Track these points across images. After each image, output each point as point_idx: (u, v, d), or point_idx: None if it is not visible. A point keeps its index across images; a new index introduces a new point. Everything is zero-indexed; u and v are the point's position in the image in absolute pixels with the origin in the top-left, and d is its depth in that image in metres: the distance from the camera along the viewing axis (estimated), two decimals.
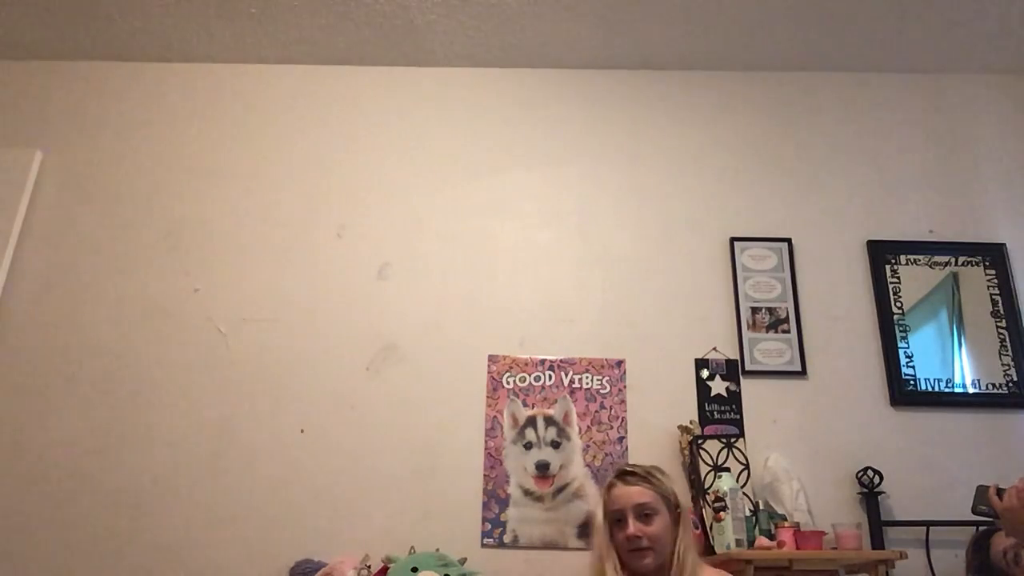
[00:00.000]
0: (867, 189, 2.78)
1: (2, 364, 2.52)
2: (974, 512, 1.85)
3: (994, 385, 2.51)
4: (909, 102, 2.91)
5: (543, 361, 2.54)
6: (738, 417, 2.46)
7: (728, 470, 2.27)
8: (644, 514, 1.73)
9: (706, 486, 2.23)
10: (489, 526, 2.35)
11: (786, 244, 2.68)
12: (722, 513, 2.11)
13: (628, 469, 1.83)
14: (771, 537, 2.16)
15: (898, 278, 2.64)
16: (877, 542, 2.28)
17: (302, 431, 2.46)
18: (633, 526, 1.71)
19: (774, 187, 2.78)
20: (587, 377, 2.52)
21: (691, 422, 2.41)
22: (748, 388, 2.50)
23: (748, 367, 2.52)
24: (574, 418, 2.47)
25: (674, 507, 1.77)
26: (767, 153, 2.83)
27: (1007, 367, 2.52)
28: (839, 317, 2.60)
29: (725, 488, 2.15)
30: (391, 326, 2.58)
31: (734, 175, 2.80)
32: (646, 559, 1.70)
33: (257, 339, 2.56)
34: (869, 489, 2.32)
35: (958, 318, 2.60)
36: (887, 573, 2.11)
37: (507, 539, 2.33)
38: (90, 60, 2.95)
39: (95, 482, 2.38)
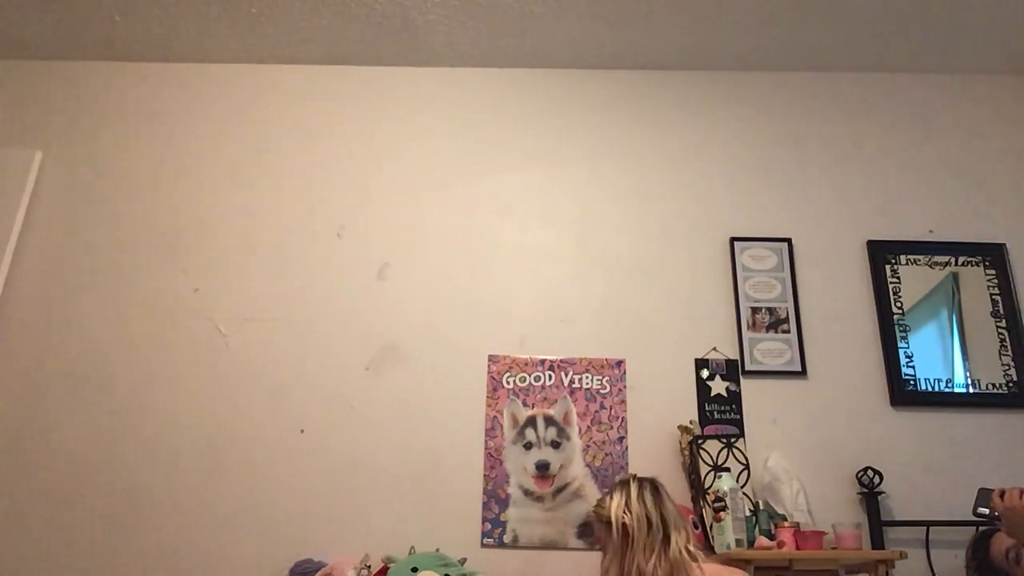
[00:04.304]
0: (867, 189, 2.78)
1: (2, 364, 2.52)
2: (975, 514, 1.85)
3: (994, 385, 2.51)
4: (909, 102, 2.91)
5: (543, 361, 2.54)
6: (738, 417, 2.46)
7: (728, 470, 2.27)
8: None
9: (706, 486, 2.23)
10: (489, 526, 2.35)
11: (786, 244, 2.68)
12: (722, 513, 2.11)
13: None
14: (771, 537, 2.16)
15: (898, 278, 2.64)
16: (877, 542, 2.28)
17: (302, 431, 2.46)
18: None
19: (774, 187, 2.78)
20: (587, 377, 2.52)
21: (691, 422, 2.41)
22: (748, 388, 2.50)
23: (748, 367, 2.52)
24: (574, 418, 2.47)
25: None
26: (767, 153, 2.83)
27: (1007, 367, 2.52)
28: (839, 317, 2.60)
29: (725, 488, 2.15)
30: (391, 326, 2.58)
31: (734, 175, 2.80)
32: None
33: (257, 339, 2.56)
34: (869, 489, 2.32)
35: (958, 318, 2.60)
36: (887, 573, 2.12)
37: (507, 539, 2.33)
38: (90, 60, 2.95)
39: (95, 482, 2.39)
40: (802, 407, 2.48)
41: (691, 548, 1.76)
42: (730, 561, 2.00)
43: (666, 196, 2.77)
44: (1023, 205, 2.75)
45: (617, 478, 1.97)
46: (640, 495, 1.83)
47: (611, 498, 1.87)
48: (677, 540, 1.75)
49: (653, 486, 1.87)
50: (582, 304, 2.62)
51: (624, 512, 1.80)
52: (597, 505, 1.91)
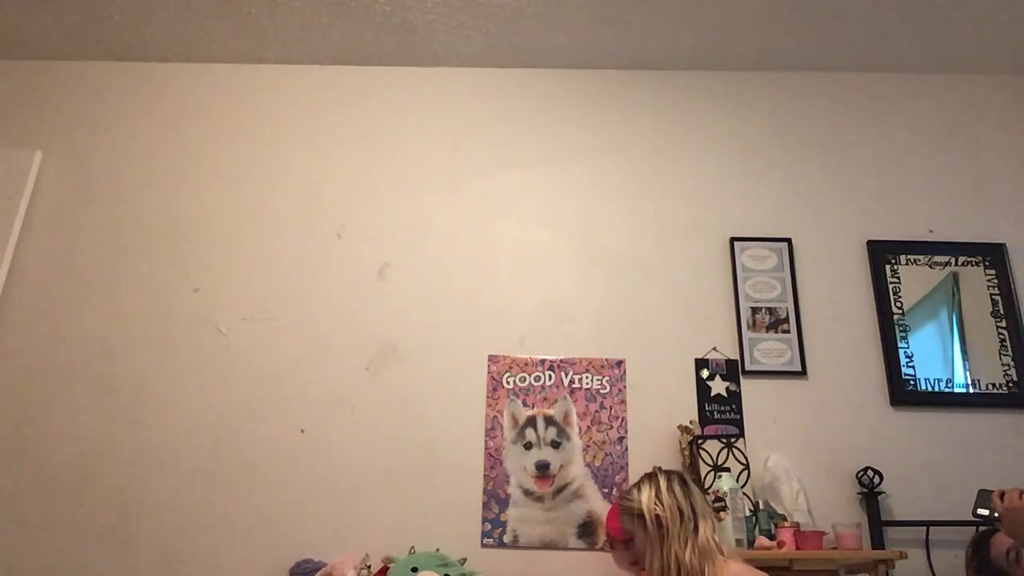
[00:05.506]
0: (867, 189, 2.78)
1: (2, 364, 2.52)
2: (974, 515, 1.86)
3: (994, 385, 2.51)
4: (909, 102, 2.91)
5: (543, 361, 2.54)
6: (738, 417, 2.46)
7: (728, 470, 2.27)
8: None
9: (706, 486, 2.23)
10: (489, 526, 2.35)
11: (786, 244, 2.68)
12: (722, 513, 2.11)
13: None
14: (771, 537, 2.17)
15: (898, 278, 2.64)
16: (877, 542, 2.28)
17: (302, 431, 2.46)
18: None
19: (774, 187, 2.78)
20: (587, 377, 2.52)
21: (691, 422, 2.41)
22: (748, 388, 2.50)
23: (748, 367, 2.52)
24: (574, 418, 2.47)
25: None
26: (767, 153, 2.83)
27: (1007, 367, 2.52)
28: (839, 317, 2.60)
29: (725, 488, 2.15)
30: (391, 326, 2.58)
31: (734, 175, 2.80)
32: None
33: (257, 339, 2.56)
34: (869, 489, 2.32)
35: (958, 318, 2.60)
36: (887, 573, 2.12)
37: (507, 539, 2.33)
38: (90, 60, 2.95)
39: (95, 482, 2.39)
40: (802, 407, 2.48)
41: (716, 539, 1.80)
42: (750, 562, 1.99)
43: (666, 196, 2.77)
44: (1023, 205, 2.75)
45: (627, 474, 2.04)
46: (669, 486, 1.86)
47: (639, 491, 1.89)
48: (705, 529, 1.79)
49: (681, 477, 1.91)
50: (582, 304, 2.62)
51: (656, 503, 1.83)
52: (624, 499, 1.93)
